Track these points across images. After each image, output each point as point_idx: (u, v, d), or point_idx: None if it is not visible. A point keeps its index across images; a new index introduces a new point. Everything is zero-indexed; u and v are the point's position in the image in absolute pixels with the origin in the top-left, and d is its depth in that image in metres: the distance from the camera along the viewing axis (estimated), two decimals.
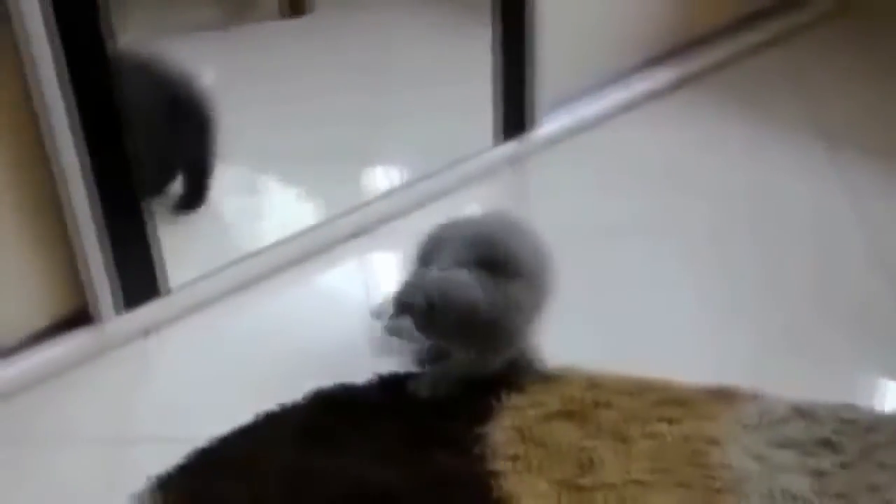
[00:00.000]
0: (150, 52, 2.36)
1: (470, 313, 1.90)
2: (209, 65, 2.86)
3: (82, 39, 1.93)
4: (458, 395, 2.00)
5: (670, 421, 1.94)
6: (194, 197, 2.43)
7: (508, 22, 2.51)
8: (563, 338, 2.08)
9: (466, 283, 1.90)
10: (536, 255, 1.98)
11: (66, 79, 1.93)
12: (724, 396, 1.98)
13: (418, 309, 1.89)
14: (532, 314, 1.98)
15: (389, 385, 2.03)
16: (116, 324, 2.13)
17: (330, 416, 1.98)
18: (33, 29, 1.87)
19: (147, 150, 2.11)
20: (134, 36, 2.56)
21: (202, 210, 2.42)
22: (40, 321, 2.10)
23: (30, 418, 2.02)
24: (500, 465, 1.87)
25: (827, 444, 1.88)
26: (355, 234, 2.38)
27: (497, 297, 1.91)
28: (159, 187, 2.39)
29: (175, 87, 2.38)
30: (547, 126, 2.64)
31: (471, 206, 2.46)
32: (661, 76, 2.82)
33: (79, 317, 2.12)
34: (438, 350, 2.03)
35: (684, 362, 2.05)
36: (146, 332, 2.16)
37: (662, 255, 2.33)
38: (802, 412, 1.94)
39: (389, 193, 2.47)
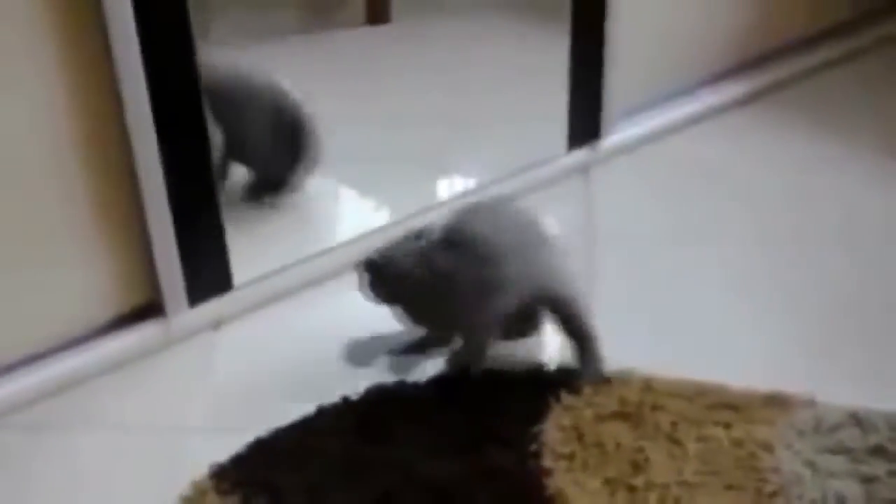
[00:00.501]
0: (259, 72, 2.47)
1: (402, 278, 2.00)
2: (291, 68, 2.92)
3: (164, 34, 1.99)
4: (513, 393, 2.02)
5: (724, 425, 1.94)
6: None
7: (584, 31, 2.54)
8: (621, 341, 2.10)
9: (409, 251, 2.00)
10: (499, 239, 2.01)
11: (146, 75, 1.98)
12: (778, 402, 1.98)
13: (364, 267, 2.01)
14: (485, 296, 2.01)
15: (446, 382, 2.07)
16: (185, 317, 2.18)
17: (386, 410, 2.01)
18: (119, 23, 1.92)
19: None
20: (218, 39, 2.65)
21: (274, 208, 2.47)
22: (111, 312, 2.16)
23: (96, 406, 2.07)
24: (552, 462, 1.89)
25: (880, 452, 1.88)
26: None
27: (440, 271, 1.98)
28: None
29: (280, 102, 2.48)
30: (618, 135, 2.66)
31: (538, 210, 2.47)
32: (732, 89, 2.83)
33: (149, 309, 2.17)
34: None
35: (740, 367, 2.05)
36: (213, 326, 2.21)
37: (723, 264, 2.34)
38: (858, 419, 1.94)
39: (459, 196, 2.49)
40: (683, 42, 2.74)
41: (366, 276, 2.03)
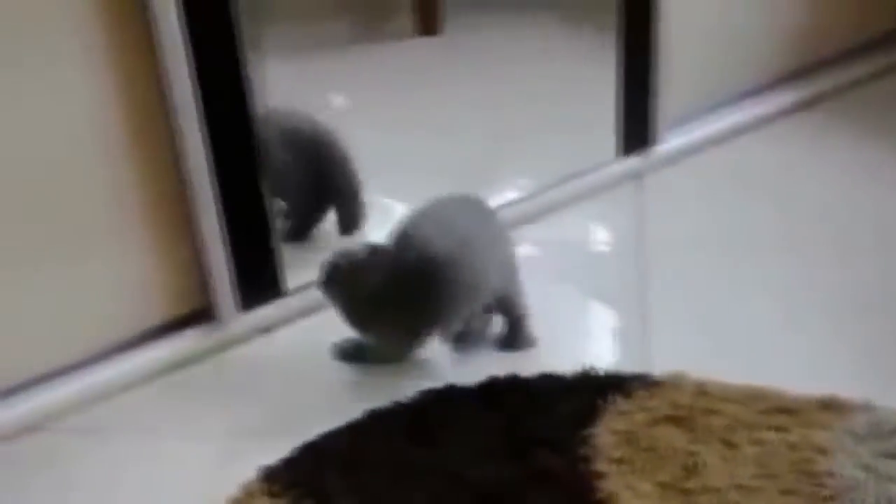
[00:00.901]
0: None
1: (357, 289, 2.03)
2: (341, 79, 2.94)
3: (214, 46, 2.01)
4: (562, 397, 2.00)
5: (778, 429, 1.92)
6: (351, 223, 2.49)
7: (634, 39, 2.53)
8: (673, 346, 2.11)
9: (366, 260, 2.01)
10: (448, 248, 2.00)
11: (196, 82, 1.99)
12: (834, 406, 1.95)
13: (321, 271, 2.03)
14: (426, 306, 2.03)
15: (496, 387, 2.05)
16: (236, 322, 2.18)
17: (436, 414, 2.00)
18: (168, 34, 1.94)
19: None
20: (270, 51, 2.65)
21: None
22: (162, 316, 2.17)
23: (147, 410, 2.08)
24: (603, 466, 1.87)
25: None
26: None
27: (381, 280, 2.01)
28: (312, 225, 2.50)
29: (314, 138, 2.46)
30: (669, 142, 2.64)
31: (588, 218, 2.47)
32: (785, 97, 2.81)
33: (200, 314, 2.18)
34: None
35: (794, 373, 2.03)
36: (264, 331, 2.21)
37: (775, 271, 2.32)
38: None
39: (510, 203, 2.49)
40: (734, 51, 2.72)
41: (320, 279, 2.04)
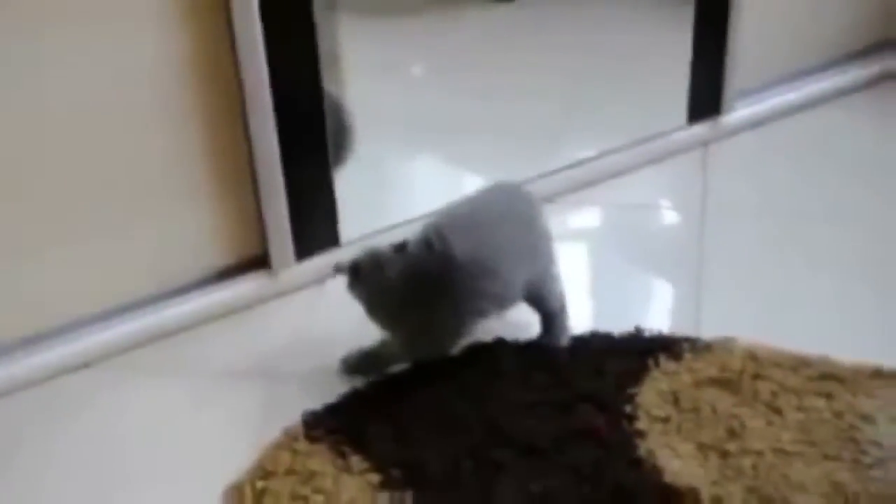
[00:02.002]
0: None
1: (376, 288, 1.95)
2: (418, 41, 2.95)
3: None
4: (612, 356, 2.00)
5: (826, 396, 1.90)
6: None
7: (710, 9, 2.51)
8: (728, 312, 2.11)
9: (388, 259, 1.94)
10: (477, 253, 1.91)
11: (263, 37, 2.01)
12: (883, 376, 1.93)
13: (346, 268, 1.97)
14: (444, 307, 1.94)
15: (545, 344, 2.05)
16: (291, 271, 2.21)
17: (485, 368, 2.00)
18: None
19: None
20: (348, 7, 2.68)
21: (382, 166, 2.49)
22: (219, 262, 2.19)
23: (200, 352, 2.11)
24: (647, 425, 1.87)
25: None
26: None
27: (401, 279, 1.93)
28: None
29: None
30: (739, 112, 2.62)
31: (653, 183, 2.46)
32: (858, 71, 2.78)
33: (256, 261, 2.20)
34: None
35: (846, 342, 2.01)
36: (319, 281, 2.23)
37: (836, 243, 2.30)
38: None
39: (577, 164, 2.49)
40: (807, 23, 2.69)
41: (348, 277, 1.97)
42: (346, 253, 2.22)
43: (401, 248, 1.96)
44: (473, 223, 1.96)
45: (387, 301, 1.96)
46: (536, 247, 2.01)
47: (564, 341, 2.05)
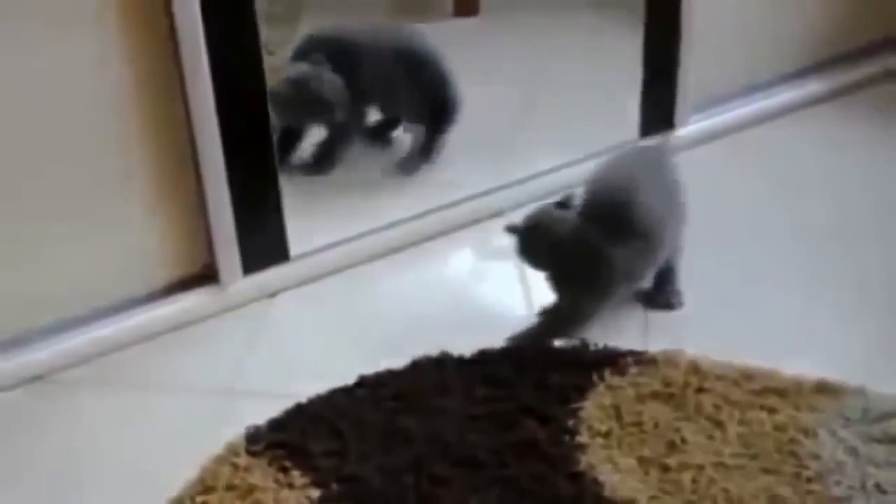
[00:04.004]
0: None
1: (554, 246, 2.02)
2: None
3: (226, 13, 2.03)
4: (557, 370, 2.00)
5: (769, 409, 1.91)
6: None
7: (660, 23, 2.52)
8: (676, 324, 2.12)
9: (560, 218, 2.03)
10: (652, 214, 2.04)
11: (205, 38, 2.01)
12: (828, 390, 1.93)
13: (516, 231, 2.04)
14: (632, 272, 2.06)
15: (489, 357, 2.05)
16: (239, 285, 2.20)
17: (429, 382, 2.00)
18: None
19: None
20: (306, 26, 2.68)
21: (327, 180, 2.49)
22: (167, 276, 2.19)
23: (147, 366, 2.10)
24: (588, 439, 1.87)
25: None
26: (489, 218, 2.41)
27: (589, 241, 2.01)
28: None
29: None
30: (694, 125, 2.62)
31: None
32: (807, 87, 2.77)
33: (204, 276, 2.20)
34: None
35: (794, 355, 2.01)
36: (267, 296, 2.23)
37: (789, 257, 2.30)
38: None
39: (530, 178, 2.49)
40: (760, 37, 2.69)
41: (517, 240, 2.05)
42: (292, 268, 2.23)
43: (564, 204, 2.06)
44: (631, 171, 2.10)
45: (562, 257, 2.03)
46: (680, 195, 2.13)
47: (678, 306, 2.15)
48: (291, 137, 2.58)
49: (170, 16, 1.96)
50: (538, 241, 2.04)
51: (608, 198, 2.05)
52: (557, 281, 2.07)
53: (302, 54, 2.54)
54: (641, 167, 2.14)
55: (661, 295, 2.16)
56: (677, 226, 2.12)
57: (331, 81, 2.50)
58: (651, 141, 2.20)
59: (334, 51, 2.52)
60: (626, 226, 2.02)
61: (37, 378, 2.07)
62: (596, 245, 2.01)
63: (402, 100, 2.62)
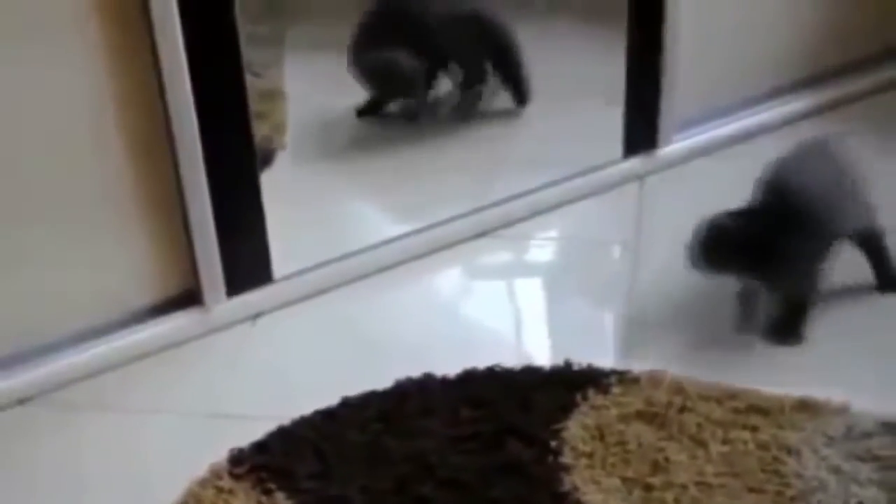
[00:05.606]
0: None
1: (736, 247, 2.06)
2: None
3: (210, 39, 2.03)
4: (541, 390, 2.00)
5: (751, 428, 1.91)
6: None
7: (643, 42, 2.52)
8: (658, 344, 2.12)
9: (733, 227, 2.06)
10: (822, 204, 2.07)
11: (190, 70, 2.01)
12: (810, 408, 1.94)
13: (700, 235, 2.07)
14: (808, 260, 2.09)
15: (474, 377, 2.05)
16: (222, 307, 2.20)
17: (412, 404, 2.00)
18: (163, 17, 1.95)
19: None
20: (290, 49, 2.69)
21: (316, 203, 2.48)
22: (150, 298, 2.18)
23: (130, 389, 2.10)
24: (572, 460, 1.87)
25: None
26: (473, 237, 2.41)
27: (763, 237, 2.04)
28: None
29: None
30: (677, 145, 2.62)
31: (588, 216, 2.47)
32: (793, 104, 2.77)
33: (188, 298, 2.20)
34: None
35: (776, 375, 2.02)
36: (252, 318, 2.23)
37: None
38: (890, 428, 1.88)
39: (512, 198, 2.49)
40: (743, 56, 2.69)
41: (699, 246, 2.06)
42: (276, 290, 2.23)
43: (737, 214, 2.07)
44: (806, 165, 2.14)
45: (759, 263, 2.06)
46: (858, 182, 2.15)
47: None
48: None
49: (151, 35, 1.96)
50: (723, 248, 2.07)
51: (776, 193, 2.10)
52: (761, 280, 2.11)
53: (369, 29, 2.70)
54: (803, 160, 2.17)
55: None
56: (853, 209, 2.15)
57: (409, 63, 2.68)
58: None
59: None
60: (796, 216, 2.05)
61: (19, 401, 2.06)
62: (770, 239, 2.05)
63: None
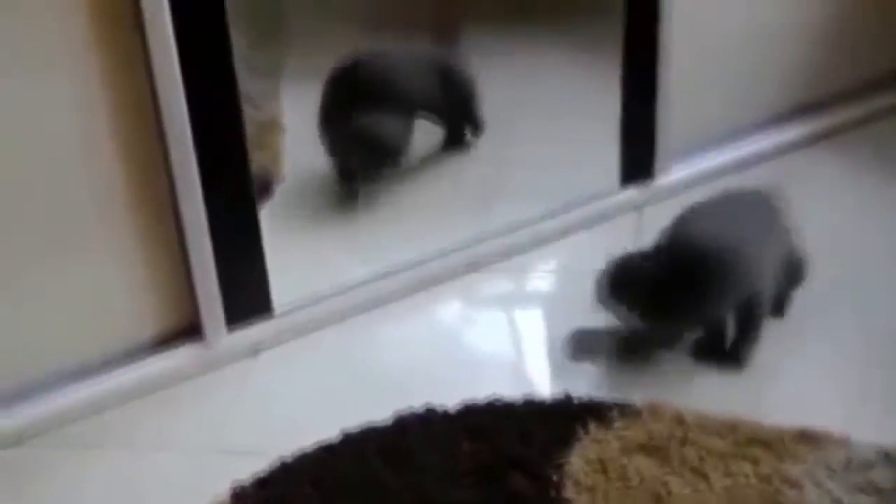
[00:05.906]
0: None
1: (643, 281, 2.09)
2: None
3: (206, 63, 2.02)
4: (541, 423, 2.00)
5: (753, 461, 1.91)
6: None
7: (637, 72, 2.52)
8: (657, 375, 2.12)
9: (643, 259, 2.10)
10: (716, 262, 2.07)
11: (187, 99, 2.01)
12: (812, 440, 1.94)
13: (607, 273, 2.11)
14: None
15: (475, 409, 2.05)
16: (223, 341, 2.19)
17: (413, 437, 2.00)
18: (159, 39, 1.95)
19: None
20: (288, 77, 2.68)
21: (311, 235, 2.48)
22: (150, 333, 2.18)
23: (131, 424, 2.10)
24: (574, 494, 1.87)
25: None
26: (470, 269, 2.41)
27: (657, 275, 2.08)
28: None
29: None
30: (674, 174, 2.62)
31: (585, 247, 2.47)
32: (791, 132, 2.77)
33: (188, 332, 2.20)
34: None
35: (777, 405, 2.03)
36: (252, 351, 2.22)
37: None
38: (891, 459, 1.89)
39: (508, 230, 2.49)
40: (738, 86, 2.70)
41: (605, 282, 2.09)
42: (277, 323, 2.23)
43: (648, 255, 2.11)
44: (719, 216, 2.16)
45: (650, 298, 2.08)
46: (781, 241, 2.18)
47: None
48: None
49: (149, 66, 1.96)
50: (625, 295, 2.09)
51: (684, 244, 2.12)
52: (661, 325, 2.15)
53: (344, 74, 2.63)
54: (722, 213, 2.19)
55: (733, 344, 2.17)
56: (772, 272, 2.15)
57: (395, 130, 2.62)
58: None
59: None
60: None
61: (18, 439, 2.06)
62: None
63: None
